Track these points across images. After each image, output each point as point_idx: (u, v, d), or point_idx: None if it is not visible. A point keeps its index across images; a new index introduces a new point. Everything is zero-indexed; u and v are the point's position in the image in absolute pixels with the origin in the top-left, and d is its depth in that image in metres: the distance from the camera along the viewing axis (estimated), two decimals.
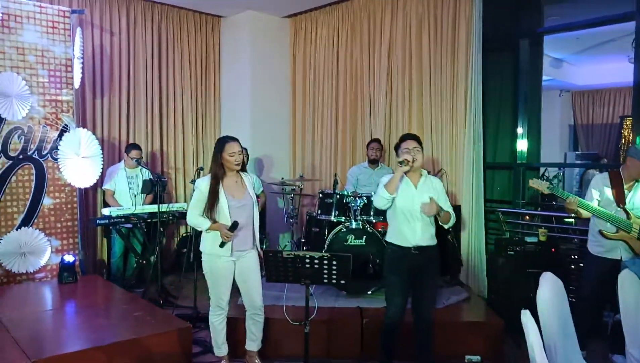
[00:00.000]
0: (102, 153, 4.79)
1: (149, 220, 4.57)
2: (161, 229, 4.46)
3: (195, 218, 3.19)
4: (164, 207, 4.50)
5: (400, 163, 3.00)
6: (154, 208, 4.49)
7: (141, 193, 4.92)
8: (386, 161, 5.43)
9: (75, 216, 4.69)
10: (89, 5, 5.36)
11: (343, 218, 4.47)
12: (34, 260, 4.42)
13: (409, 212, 3.07)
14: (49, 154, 4.52)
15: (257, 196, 3.97)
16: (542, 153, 5.53)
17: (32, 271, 4.42)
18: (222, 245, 3.12)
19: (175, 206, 4.70)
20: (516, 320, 2.09)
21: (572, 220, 4.79)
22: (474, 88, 4.60)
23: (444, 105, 4.95)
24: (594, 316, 3.55)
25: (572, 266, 4.17)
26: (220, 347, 3.36)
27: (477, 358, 3.56)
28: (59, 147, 4.51)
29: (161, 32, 6.00)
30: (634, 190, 3.37)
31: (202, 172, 4.31)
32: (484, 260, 4.59)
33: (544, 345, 2.03)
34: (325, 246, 4.22)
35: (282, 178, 5.60)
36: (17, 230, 4.35)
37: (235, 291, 3.35)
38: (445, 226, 3.21)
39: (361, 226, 4.21)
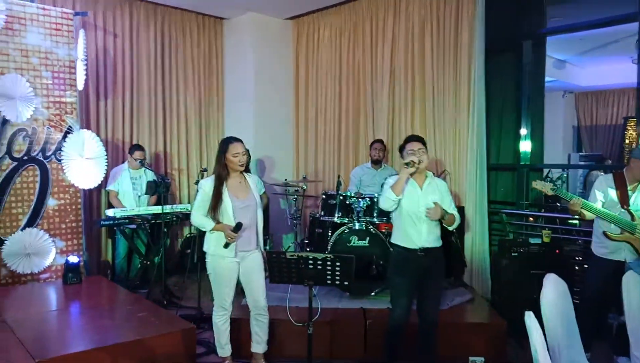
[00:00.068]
0: (106, 154, 4.80)
1: (153, 221, 4.59)
2: (165, 230, 4.47)
3: (200, 219, 3.20)
4: (168, 208, 4.52)
5: (407, 164, 3.00)
6: (157, 209, 4.50)
7: (145, 194, 4.94)
8: (389, 161, 5.43)
9: (80, 217, 4.70)
10: (92, 8, 5.38)
11: (346, 219, 4.47)
12: (38, 261, 4.44)
13: (415, 214, 3.07)
14: (53, 156, 4.53)
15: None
16: (546, 154, 5.53)
17: (36, 272, 4.43)
18: (226, 245, 3.13)
19: (179, 207, 4.72)
20: (520, 321, 2.09)
21: (576, 221, 4.78)
22: (476, 89, 4.60)
23: (446, 106, 4.95)
24: (598, 318, 3.54)
25: (576, 268, 4.16)
26: (224, 348, 3.36)
27: (480, 359, 3.55)
28: (63, 148, 4.52)
29: (164, 34, 6.02)
30: (638, 191, 3.36)
31: (205, 173, 4.32)
32: (487, 261, 4.59)
33: (547, 346, 2.03)
34: (329, 247, 4.23)
35: (286, 179, 5.60)
36: (21, 230, 4.36)
37: (239, 292, 3.36)
38: (450, 228, 3.21)
39: (364, 227, 4.21)
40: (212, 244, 3.22)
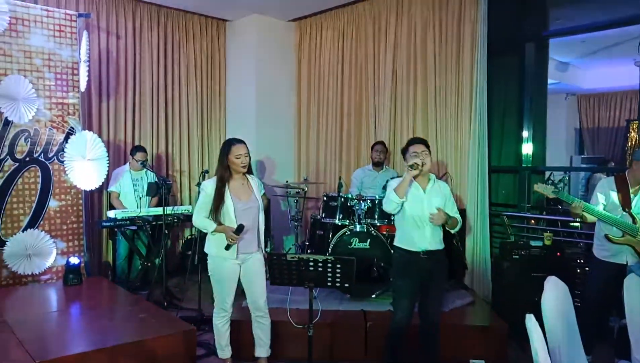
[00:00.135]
0: (108, 156, 4.82)
1: (154, 222, 4.59)
2: (166, 231, 4.48)
3: (202, 220, 3.20)
4: (169, 209, 4.52)
5: (411, 166, 2.99)
6: (158, 211, 4.50)
7: (146, 195, 4.95)
8: (391, 163, 5.43)
9: (81, 219, 4.71)
10: (95, 9, 5.40)
11: (347, 221, 4.46)
12: (39, 262, 4.44)
13: (418, 217, 3.06)
14: (55, 157, 4.54)
15: None
16: (548, 157, 5.52)
17: (37, 273, 4.44)
18: (227, 247, 3.12)
19: (180, 209, 4.72)
20: (521, 324, 2.08)
21: (578, 224, 4.77)
22: (479, 91, 4.59)
23: (448, 108, 4.94)
24: (600, 320, 3.52)
25: (578, 271, 4.14)
26: (224, 349, 3.36)
27: (481, 362, 3.54)
28: (65, 149, 4.53)
29: (167, 36, 6.04)
30: None
31: (207, 175, 4.32)
32: (488, 263, 4.58)
33: (548, 349, 2.02)
34: (330, 249, 4.22)
35: (287, 181, 5.61)
36: (23, 231, 4.37)
37: (239, 293, 3.35)
38: (452, 231, 3.20)
39: (365, 230, 4.20)
40: (214, 246, 3.21)
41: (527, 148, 5.09)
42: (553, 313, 2.26)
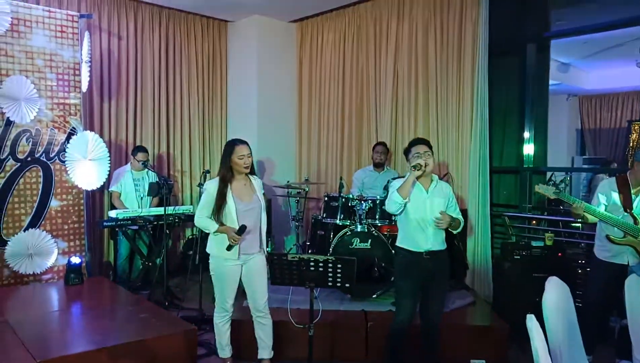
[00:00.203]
0: (109, 156, 4.82)
1: (155, 222, 4.60)
2: (167, 231, 4.48)
3: (204, 221, 3.20)
4: (170, 209, 4.52)
5: (414, 167, 2.99)
6: (160, 211, 4.52)
7: (147, 195, 4.95)
8: (392, 164, 5.43)
9: (82, 218, 4.72)
10: (97, 10, 5.41)
11: (348, 221, 4.47)
12: (40, 262, 4.45)
13: (422, 217, 3.06)
14: (56, 157, 4.55)
15: None
16: (549, 157, 5.51)
17: (38, 273, 4.45)
18: (229, 248, 3.12)
19: (181, 209, 4.73)
20: (522, 324, 2.08)
21: (579, 225, 4.76)
22: (480, 92, 4.59)
23: (450, 109, 4.94)
24: (601, 321, 3.52)
25: (579, 271, 4.14)
26: (225, 349, 3.36)
27: (482, 362, 3.54)
28: (66, 149, 4.55)
29: (169, 37, 6.04)
30: None
31: (208, 175, 4.33)
32: (489, 264, 4.57)
33: (549, 350, 2.02)
34: (331, 249, 4.23)
35: (288, 181, 5.61)
36: (24, 231, 4.38)
37: (240, 293, 3.35)
38: (454, 232, 3.20)
39: (366, 230, 4.21)
40: (216, 246, 3.22)
41: (529, 149, 5.09)
42: (554, 314, 2.26)
